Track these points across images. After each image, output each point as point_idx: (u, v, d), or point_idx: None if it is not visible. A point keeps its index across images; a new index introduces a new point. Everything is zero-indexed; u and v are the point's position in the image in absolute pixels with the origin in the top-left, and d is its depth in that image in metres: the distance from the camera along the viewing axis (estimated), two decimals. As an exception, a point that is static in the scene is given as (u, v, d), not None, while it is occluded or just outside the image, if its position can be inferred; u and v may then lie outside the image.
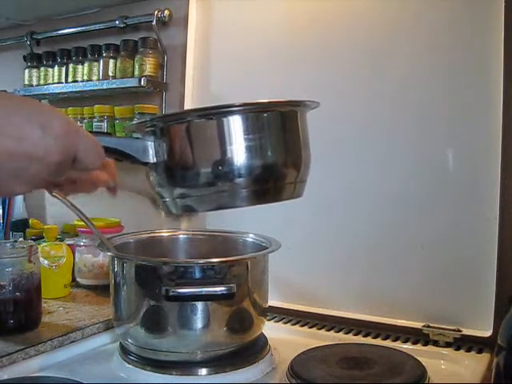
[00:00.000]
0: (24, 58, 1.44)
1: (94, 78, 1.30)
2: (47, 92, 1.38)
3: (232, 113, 0.59)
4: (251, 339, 0.83)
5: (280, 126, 0.63)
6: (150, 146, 0.61)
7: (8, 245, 0.95)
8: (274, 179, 0.61)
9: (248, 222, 0.96)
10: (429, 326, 0.92)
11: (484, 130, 0.89)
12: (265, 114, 0.61)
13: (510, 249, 0.87)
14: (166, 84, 1.27)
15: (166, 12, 1.23)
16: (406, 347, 0.89)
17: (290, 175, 0.63)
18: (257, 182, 0.60)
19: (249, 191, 0.60)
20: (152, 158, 0.61)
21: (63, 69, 1.36)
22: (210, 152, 0.59)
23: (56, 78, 1.37)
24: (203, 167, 0.59)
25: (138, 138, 0.65)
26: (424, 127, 0.95)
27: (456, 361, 0.85)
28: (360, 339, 0.94)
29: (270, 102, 0.63)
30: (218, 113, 0.59)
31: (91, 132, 0.56)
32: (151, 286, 0.77)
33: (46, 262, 1.07)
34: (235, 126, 0.59)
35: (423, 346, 0.90)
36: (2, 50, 1.54)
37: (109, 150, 0.58)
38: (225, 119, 0.59)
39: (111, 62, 1.27)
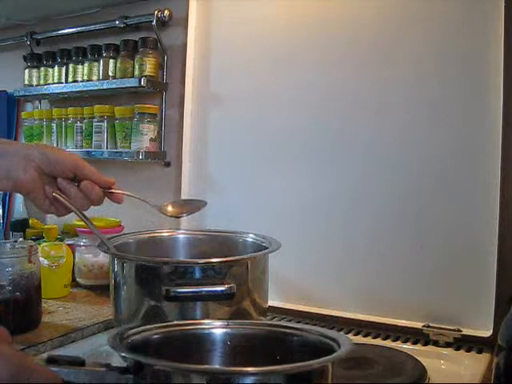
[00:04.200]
0: (24, 58, 1.44)
1: (94, 78, 1.30)
2: (47, 92, 1.38)
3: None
4: (251, 339, 0.83)
5: None
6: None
7: (8, 245, 0.95)
8: None
9: (247, 221, 0.96)
10: (429, 326, 0.92)
11: (484, 129, 0.89)
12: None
13: (509, 249, 0.87)
14: (165, 84, 1.27)
15: (166, 12, 1.23)
16: (406, 347, 0.89)
17: None
18: None
19: None
20: None
21: (63, 69, 1.36)
22: None
23: (56, 77, 1.37)
24: None
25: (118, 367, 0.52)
26: (423, 128, 0.95)
27: (456, 361, 0.85)
28: (360, 339, 0.94)
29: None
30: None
31: (52, 361, 0.49)
32: (151, 285, 0.77)
33: (45, 261, 1.07)
34: None
35: (423, 346, 0.90)
36: (2, 50, 1.53)
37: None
38: None
39: (111, 62, 1.27)
